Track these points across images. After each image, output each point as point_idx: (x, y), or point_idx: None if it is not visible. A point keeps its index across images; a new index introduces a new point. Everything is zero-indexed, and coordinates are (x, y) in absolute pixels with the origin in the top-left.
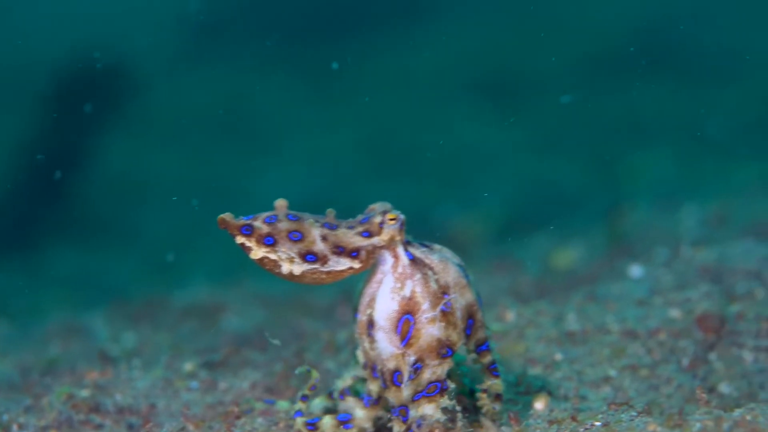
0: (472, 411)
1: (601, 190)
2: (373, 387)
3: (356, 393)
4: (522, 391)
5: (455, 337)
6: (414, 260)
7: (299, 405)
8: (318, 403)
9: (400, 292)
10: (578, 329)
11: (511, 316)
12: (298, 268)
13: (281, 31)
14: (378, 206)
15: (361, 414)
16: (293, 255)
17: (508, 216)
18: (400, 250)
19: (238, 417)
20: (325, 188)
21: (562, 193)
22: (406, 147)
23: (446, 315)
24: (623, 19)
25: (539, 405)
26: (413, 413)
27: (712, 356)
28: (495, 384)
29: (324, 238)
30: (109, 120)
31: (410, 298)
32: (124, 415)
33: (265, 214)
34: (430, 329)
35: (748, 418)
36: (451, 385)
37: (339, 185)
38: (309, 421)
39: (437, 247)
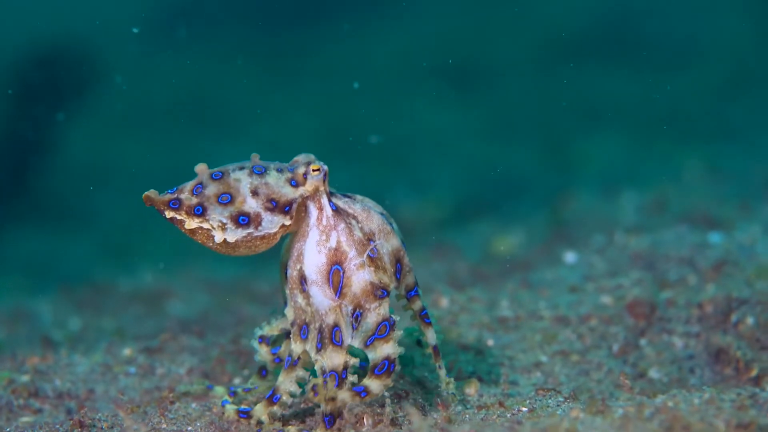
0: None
1: (551, 175)
2: (297, 347)
3: (274, 343)
4: (453, 376)
5: (386, 279)
6: (337, 210)
7: (228, 398)
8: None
9: (326, 243)
10: (511, 315)
11: (445, 302)
12: (231, 235)
13: (245, 18)
14: (302, 157)
15: (282, 378)
16: (224, 220)
17: (458, 201)
18: (324, 200)
19: (172, 402)
20: None
21: (513, 178)
22: (364, 132)
23: (374, 260)
24: (583, 7)
25: (470, 390)
26: (373, 356)
27: (643, 342)
28: (429, 334)
29: (255, 192)
30: (72, 106)
31: (336, 249)
32: (63, 399)
33: (190, 185)
34: (360, 274)
35: (670, 404)
36: (397, 318)
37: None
38: (241, 409)
39: (359, 197)
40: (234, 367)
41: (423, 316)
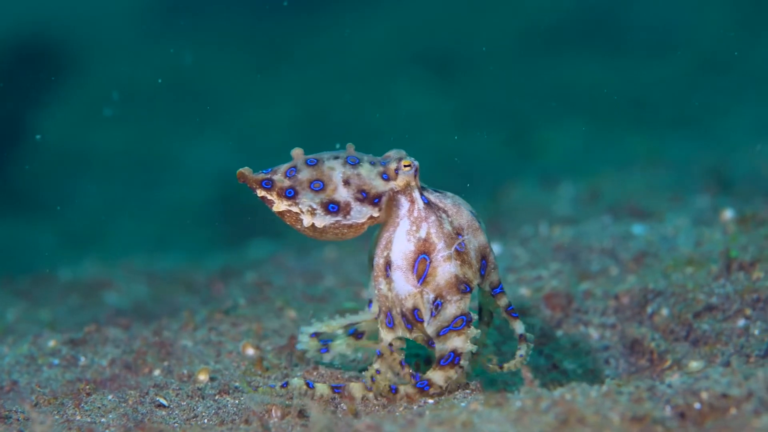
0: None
1: (509, 164)
2: (386, 336)
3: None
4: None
5: (471, 275)
6: (429, 204)
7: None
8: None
9: (416, 234)
10: None
11: (365, 293)
12: (320, 221)
13: (227, 5)
14: (393, 153)
15: (378, 366)
16: (315, 206)
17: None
18: (416, 194)
19: (88, 394)
20: (247, 162)
21: (473, 166)
22: (338, 121)
23: (461, 254)
24: None
25: None
26: (441, 348)
27: (559, 333)
28: (517, 326)
29: (346, 182)
30: (47, 93)
31: (425, 239)
32: None
33: (284, 167)
34: (446, 266)
35: (568, 397)
36: (475, 317)
37: (264, 158)
38: (334, 385)
39: (450, 194)
40: (154, 358)
41: (509, 311)
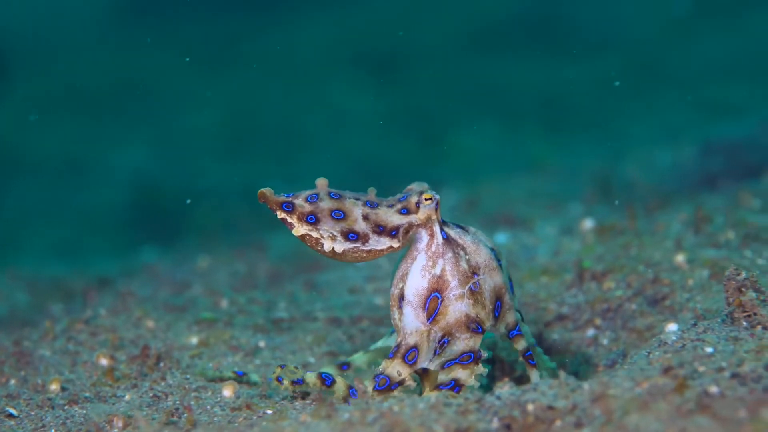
0: None
1: (418, 168)
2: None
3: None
4: (216, 377)
5: (483, 315)
6: (447, 239)
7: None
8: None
9: (431, 270)
10: (286, 317)
11: (224, 303)
12: (339, 246)
13: (169, 6)
14: (415, 186)
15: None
16: (335, 233)
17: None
18: (436, 228)
19: None
20: (165, 167)
21: (386, 170)
22: (264, 125)
23: (474, 294)
24: None
25: (227, 392)
26: (443, 378)
27: None
28: (533, 376)
29: (365, 218)
30: None
31: (440, 276)
32: None
33: (306, 193)
34: (458, 305)
35: (395, 409)
36: (485, 354)
37: (185, 162)
38: (351, 391)
39: (472, 229)
40: (12, 368)
41: (527, 357)
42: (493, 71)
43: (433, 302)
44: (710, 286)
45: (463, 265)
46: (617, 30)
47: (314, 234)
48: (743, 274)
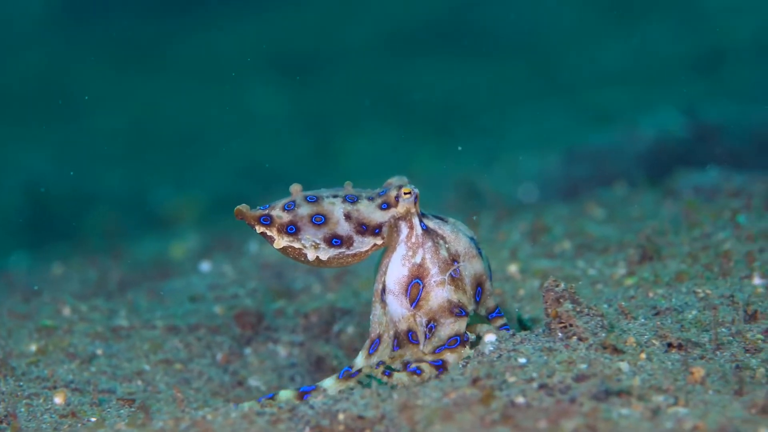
0: None
1: (306, 173)
2: (359, 360)
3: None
4: (49, 386)
5: (465, 300)
6: (427, 230)
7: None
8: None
9: (411, 259)
10: (125, 325)
11: (67, 311)
12: (324, 254)
13: (93, 8)
14: (395, 180)
15: (329, 383)
16: (318, 241)
17: (215, 200)
18: (416, 220)
19: None
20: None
21: (273, 175)
22: (167, 130)
23: (455, 280)
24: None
25: (58, 399)
26: (433, 359)
27: (247, 351)
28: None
29: (347, 217)
30: None
31: (420, 265)
32: None
33: (282, 202)
34: (439, 291)
35: (209, 418)
36: (472, 337)
37: (82, 168)
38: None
39: (451, 220)
40: None
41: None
42: (401, 76)
43: (414, 288)
44: (540, 296)
45: (443, 253)
46: (524, 36)
47: (296, 245)
48: (562, 285)
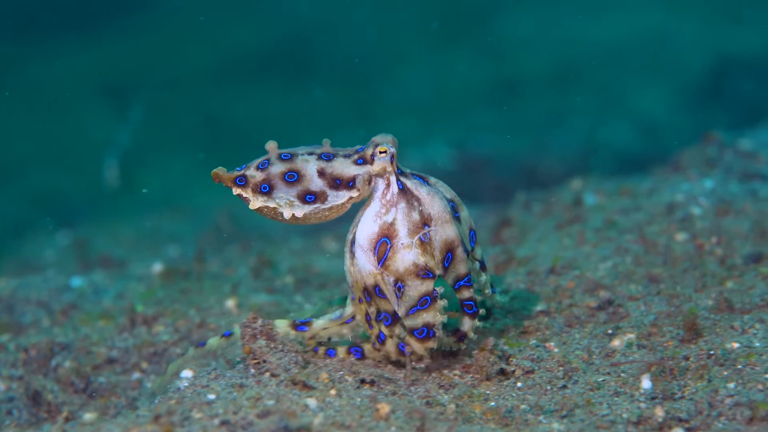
0: None
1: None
2: (349, 309)
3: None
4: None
5: (432, 264)
6: (403, 189)
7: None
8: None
9: (383, 216)
10: None
11: None
12: (299, 210)
13: None
14: (378, 138)
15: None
16: (292, 198)
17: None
18: (393, 178)
19: None
20: None
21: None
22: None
23: (423, 244)
24: (264, 28)
25: None
26: (412, 323)
27: None
28: (465, 323)
29: (321, 173)
30: None
31: (391, 224)
32: None
33: (257, 161)
34: (406, 254)
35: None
36: (441, 289)
37: None
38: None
39: (432, 180)
40: None
41: (465, 306)
42: (232, 103)
43: (383, 246)
44: None
45: (415, 215)
46: (345, 65)
47: (271, 204)
48: (259, 321)
